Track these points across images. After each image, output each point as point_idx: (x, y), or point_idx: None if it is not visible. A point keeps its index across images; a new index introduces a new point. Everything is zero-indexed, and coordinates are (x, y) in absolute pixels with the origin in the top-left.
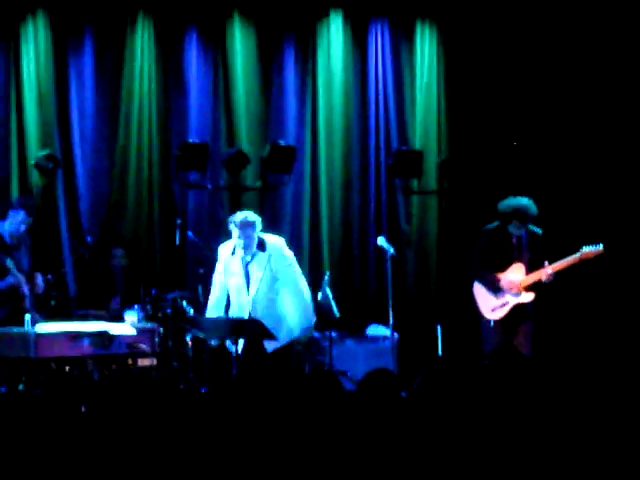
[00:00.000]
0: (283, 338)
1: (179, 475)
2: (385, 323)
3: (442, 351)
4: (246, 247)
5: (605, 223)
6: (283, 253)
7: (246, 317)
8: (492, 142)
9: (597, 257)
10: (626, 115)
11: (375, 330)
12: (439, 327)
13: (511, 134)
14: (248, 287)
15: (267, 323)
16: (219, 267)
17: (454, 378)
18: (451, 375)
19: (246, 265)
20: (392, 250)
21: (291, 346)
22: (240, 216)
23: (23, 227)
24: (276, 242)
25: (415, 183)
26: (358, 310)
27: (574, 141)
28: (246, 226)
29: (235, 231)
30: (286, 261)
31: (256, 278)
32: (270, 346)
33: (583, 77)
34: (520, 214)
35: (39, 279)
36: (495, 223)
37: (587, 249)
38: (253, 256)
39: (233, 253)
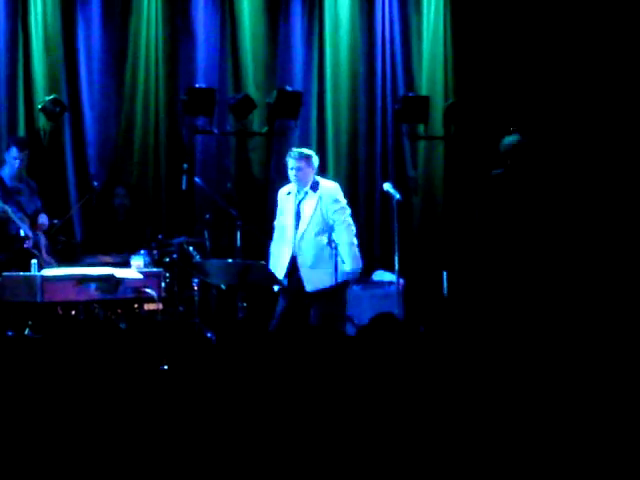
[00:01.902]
0: (327, 280)
1: (186, 422)
2: (391, 269)
3: (448, 296)
4: (298, 180)
5: (612, 164)
6: (335, 197)
7: (289, 255)
8: (499, 87)
9: None
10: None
11: (381, 276)
12: (445, 273)
13: (518, 78)
14: (297, 225)
15: (310, 263)
16: (277, 211)
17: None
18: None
19: (298, 204)
20: (398, 195)
21: (338, 288)
22: (295, 151)
23: (17, 163)
24: (329, 186)
25: (421, 128)
26: (364, 256)
27: (582, 86)
28: (299, 159)
29: (289, 163)
30: (337, 205)
31: (305, 217)
32: (310, 286)
33: (592, 21)
34: (516, 151)
35: (42, 218)
36: (501, 168)
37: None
38: (305, 195)
39: (289, 193)
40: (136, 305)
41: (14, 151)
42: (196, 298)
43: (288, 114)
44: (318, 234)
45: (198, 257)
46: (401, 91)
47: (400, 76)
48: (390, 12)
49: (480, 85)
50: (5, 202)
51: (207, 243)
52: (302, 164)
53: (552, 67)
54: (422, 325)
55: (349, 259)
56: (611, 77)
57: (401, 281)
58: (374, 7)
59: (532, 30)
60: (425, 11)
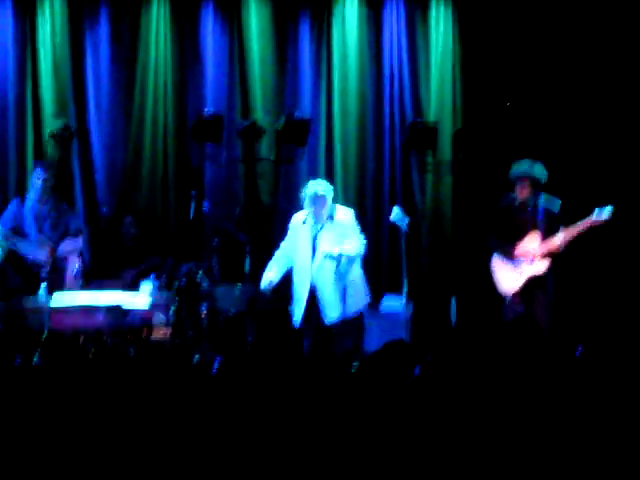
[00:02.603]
0: (345, 311)
1: (192, 447)
2: (399, 295)
3: (456, 323)
4: (317, 216)
5: (619, 190)
6: (352, 226)
7: (307, 286)
8: (506, 113)
9: (609, 220)
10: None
11: (389, 301)
12: (453, 299)
13: (526, 106)
14: (313, 256)
15: (329, 294)
16: (289, 235)
17: (467, 350)
18: (464, 347)
19: (315, 235)
20: (407, 220)
21: (357, 319)
22: (313, 186)
23: (40, 183)
24: (346, 216)
25: (430, 155)
26: (372, 282)
27: (588, 108)
28: (320, 196)
29: (308, 199)
30: (354, 229)
31: (323, 246)
32: (330, 319)
33: (598, 48)
34: (524, 177)
35: (66, 244)
36: (511, 196)
37: (597, 213)
38: (322, 227)
39: (304, 222)
40: (144, 331)
41: (38, 171)
42: (204, 324)
43: (296, 141)
44: (337, 264)
45: (206, 283)
46: (409, 117)
47: (408, 102)
48: (398, 39)
49: (488, 111)
50: (19, 229)
51: (215, 269)
52: (322, 201)
53: (561, 94)
54: (430, 354)
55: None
56: (624, 103)
57: (410, 307)
58: (382, 33)
59: (541, 57)
60: (433, 38)
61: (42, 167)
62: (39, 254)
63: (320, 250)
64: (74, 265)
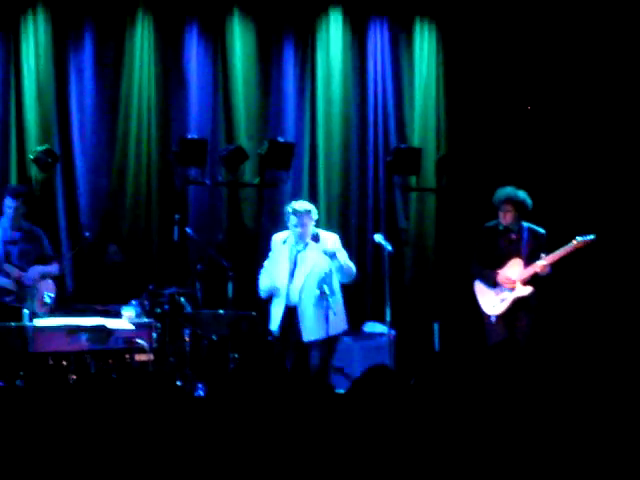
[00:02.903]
0: (328, 331)
1: (175, 472)
2: (382, 320)
3: (439, 348)
4: (302, 236)
5: (601, 217)
6: (338, 244)
7: (283, 305)
8: (491, 139)
9: (590, 245)
10: (624, 115)
11: (372, 327)
12: (436, 324)
13: (510, 131)
14: (292, 276)
15: (312, 315)
16: (271, 255)
17: (451, 375)
18: (448, 372)
19: (296, 254)
20: (390, 247)
21: (335, 339)
22: (299, 205)
23: (11, 212)
24: (332, 235)
25: (414, 180)
26: (355, 307)
27: (572, 136)
28: (305, 215)
29: (292, 219)
30: (339, 249)
31: (304, 269)
32: (308, 336)
33: (580, 73)
34: (509, 201)
35: (32, 271)
36: (494, 221)
37: (579, 239)
38: (305, 246)
39: (284, 242)
40: (127, 356)
41: (8, 200)
42: (187, 349)
43: (280, 165)
44: (318, 286)
45: (189, 308)
46: (393, 143)
47: (392, 127)
48: (382, 63)
49: (472, 137)
50: None
51: (199, 294)
52: (306, 220)
53: (545, 119)
54: (413, 377)
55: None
56: (605, 128)
57: (392, 332)
58: (366, 58)
59: (525, 82)
60: (417, 63)
61: (10, 196)
62: (4, 282)
63: (301, 271)
64: (43, 292)
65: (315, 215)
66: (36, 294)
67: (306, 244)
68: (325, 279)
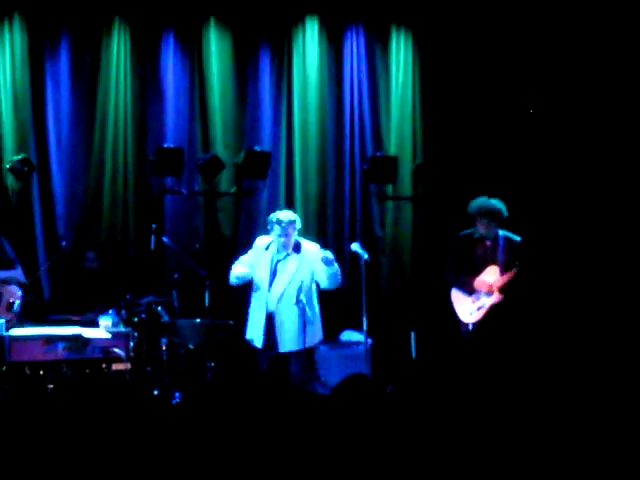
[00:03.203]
0: (305, 342)
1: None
2: (359, 329)
3: (416, 357)
4: (285, 246)
5: (578, 225)
6: (319, 252)
7: (264, 313)
8: (467, 148)
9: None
10: (603, 120)
11: (349, 336)
12: (413, 333)
13: (485, 139)
14: (271, 284)
15: (290, 326)
16: (250, 253)
17: (428, 382)
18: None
19: (276, 263)
20: (366, 256)
21: (311, 351)
22: (283, 215)
23: None
24: (312, 248)
25: (390, 189)
26: (332, 316)
27: (548, 145)
28: (289, 225)
29: (276, 228)
30: (319, 255)
31: (284, 278)
32: (285, 347)
33: (557, 81)
34: (484, 211)
35: (11, 294)
36: (470, 229)
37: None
38: (286, 256)
39: (266, 248)
40: (104, 365)
41: None
42: (164, 358)
43: (256, 174)
44: (297, 295)
45: (166, 317)
46: (370, 152)
47: (368, 137)
48: (359, 73)
49: (448, 146)
50: None
51: (175, 303)
52: (290, 230)
53: (521, 127)
54: (390, 385)
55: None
56: (583, 135)
57: (369, 341)
58: (342, 66)
59: (501, 91)
60: (394, 71)
61: None
62: None
63: (280, 280)
64: (7, 298)
65: (299, 225)
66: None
67: (287, 254)
68: (303, 289)
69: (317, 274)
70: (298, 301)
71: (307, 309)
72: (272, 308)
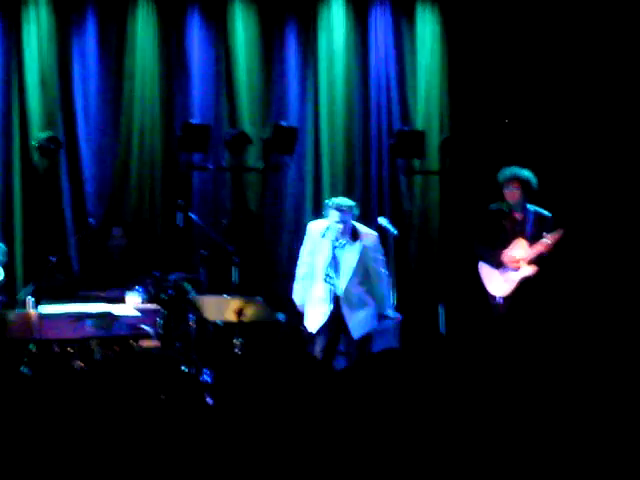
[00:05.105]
0: (371, 324)
1: (181, 458)
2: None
3: (445, 330)
4: (343, 233)
5: (605, 196)
6: (378, 248)
7: (329, 301)
8: (494, 121)
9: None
10: (625, 95)
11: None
12: (441, 307)
13: (513, 112)
14: (334, 271)
15: (356, 310)
16: (306, 246)
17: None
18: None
19: (334, 249)
20: (394, 230)
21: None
22: (343, 200)
23: None
24: (372, 237)
25: (417, 163)
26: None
27: (575, 117)
28: (347, 211)
29: (334, 215)
30: (379, 256)
31: (346, 266)
32: (357, 332)
33: (584, 54)
34: (513, 179)
35: None
36: (498, 203)
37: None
38: (344, 244)
39: (323, 235)
40: (132, 342)
41: None
42: (193, 334)
43: (284, 149)
44: (361, 282)
45: (194, 293)
46: (396, 126)
47: (395, 111)
48: (385, 47)
49: (475, 119)
50: None
51: (203, 279)
52: (348, 218)
53: (548, 100)
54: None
55: (386, 305)
56: (608, 107)
57: (398, 316)
58: (368, 42)
59: (529, 64)
60: (420, 46)
61: None
62: None
63: (343, 271)
64: None
65: (357, 211)
66: None
67: (345, 241)
68: (366, 277)
69: (371, 266)
70: (361, 288)
71: (370, 294)
72: (339, 293)
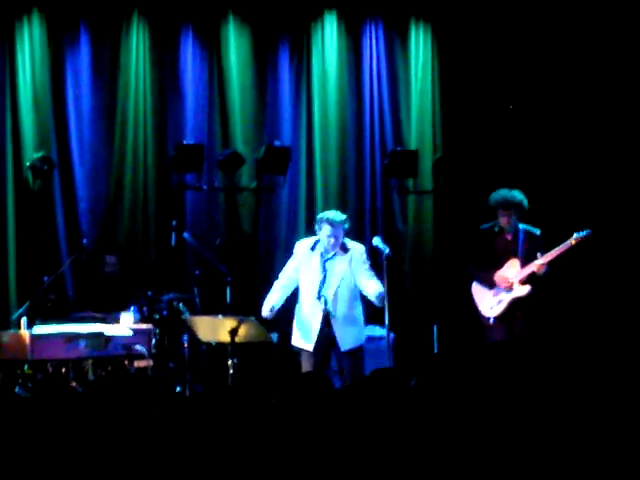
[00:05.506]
0: (361, 338)
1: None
2: (381, 323)
3: (438, 350)
4: (334, 246)
5: (597, 216)
6: (365, 257)
7: (321, 313)
8: (486, 140)
9: (587, 241)
10: (618, 117)
11: (372, 330)
12: (435, 327)
13: (505, 132)
14: (323, 284)
15: (345, 322)
16: (292, 262)
17: (450, 376)
18: (447, 373)
19: (324, 262)
20: (388, 250)
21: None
22: (334, 214)
23: None
24: (359, 248)
25: (411, 183)
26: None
27: (567, 137)
28: (339, 225)
29: (326, 228)
30: (366, 265)
31: (336, 278)
32: (346, 345)
33: (575, 75)
34: (505, 203)
35: None
36: (490, 222)
37: (576, 235)
38: (334, 255)
39: (313, 249)
40: (126, 362)
41: None
42: (186, 354)
43: (277, 170)
44: (350, 294)
45: (188, 313)
46: (390, 146)
47: (388, 131)
48: (378, 66)
49: (468, 138)
50: None
51: (197, 299)
52: (340, 231)
53: (540, 120)
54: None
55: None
56: (600, 130)
57: (391, 335)
58: (361, 61)
59: (521, 84)
60: (413, 65)
61: None
62: None
63: (332, 282)
64: None
65: (347, 225)
66: None
67: (335, 254)
68: (355, 289)
69: (360, 281)
70: (351, 300)
71: (359, 307)
72: (329, 307)
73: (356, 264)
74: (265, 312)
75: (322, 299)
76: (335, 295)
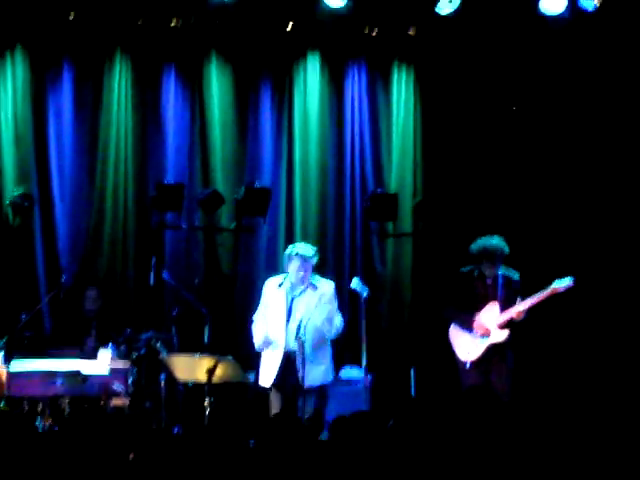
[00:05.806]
0: (326, 376)
1: None
2: (359, 365)
3: (415, 393)
4: (302, 280)
5: (577, 261)
6: (334, 298)
7: (282, 350)
8: (467, 184)
9: (568, 290)
10: (599, 160)
11: (349, 372)
12: (413, 370)
13: (486, 177)
14: (288, 321)
15: (310, 359)
16: (262, 300)
17: (427, 419)
18: (424, 416)
19: (291, 299)
20: (366, 292)
21: (327, 387)
22: (304, 248)
23: None
24: (329, 287)
25: (390, 226)
26: (332, 352)
27: (547, 182)
28: (310, 259)
29: (295, 262)
30: (334, 304)
31: (301, 315)
32: (310, 382)
33: (556, 121)
34: (488, 253)
35: None
36: (470, 266)
37: (557, 283)
38: (302, 292)
39: (280, 285)
40: (103, 400)
41: None
42: (163, 393)
43: (256, 211)
44: (316, 332)
45: (165, 352)
46: (370, 187)
47: (369, 172)
48: (360, 107)
49: (448, 183)
50: None
51: (175, 338)
52: (309, 265)
53: (521, 165)
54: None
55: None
56: (582, 176)
57: (369, 377)
58: (343, 102)
59: (502, 128)
60: (395, 107)
61: None
62: None
63: (297, 317)
64: None
65: (316, 260)
66: None
67: (303, 290)
68: (319, 330)
69: (324, 317)
70: (317, 337)
71: (325, 344)
72: (291, 346)
73: (324, 301)
74: (259, 342)
75: (285, 336)
76: (297, 332)
